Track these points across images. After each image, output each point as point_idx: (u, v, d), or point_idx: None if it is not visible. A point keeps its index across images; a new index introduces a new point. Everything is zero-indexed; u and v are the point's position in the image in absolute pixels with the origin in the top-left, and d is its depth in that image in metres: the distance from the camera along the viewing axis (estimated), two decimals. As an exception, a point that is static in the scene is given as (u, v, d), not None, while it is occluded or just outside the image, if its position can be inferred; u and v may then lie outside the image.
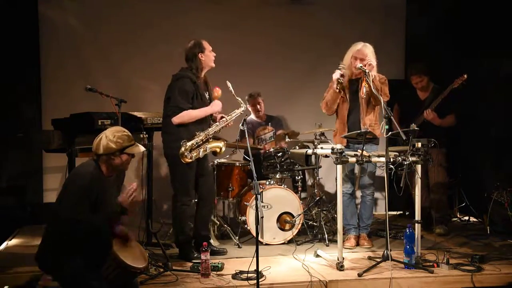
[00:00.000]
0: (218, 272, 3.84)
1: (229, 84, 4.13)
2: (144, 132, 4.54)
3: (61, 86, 5.73)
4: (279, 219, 4.74)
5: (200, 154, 4.15)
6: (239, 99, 4.28)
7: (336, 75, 4.32)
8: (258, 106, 5.68)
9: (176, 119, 4.13)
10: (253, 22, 6.20)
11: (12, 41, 5.42)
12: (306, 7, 6.27)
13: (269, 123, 5.71)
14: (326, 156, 4.78)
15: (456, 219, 5.78)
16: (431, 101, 5.05)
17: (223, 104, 4.36)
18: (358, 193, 4.72)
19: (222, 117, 4.31)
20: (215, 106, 4.27)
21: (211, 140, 4.22)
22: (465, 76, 4.86)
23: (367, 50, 4.36)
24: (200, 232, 4.34)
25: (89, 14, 5.85)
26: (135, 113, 4.66)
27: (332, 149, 3.93)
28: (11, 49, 5.41)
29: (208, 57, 4.26)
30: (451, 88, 4.92)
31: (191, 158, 4.09)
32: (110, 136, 3.06)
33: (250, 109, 5.68)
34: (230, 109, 4.34)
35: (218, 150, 4.25)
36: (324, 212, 5.20)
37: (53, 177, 5.75)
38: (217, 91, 4.35)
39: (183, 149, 4.05)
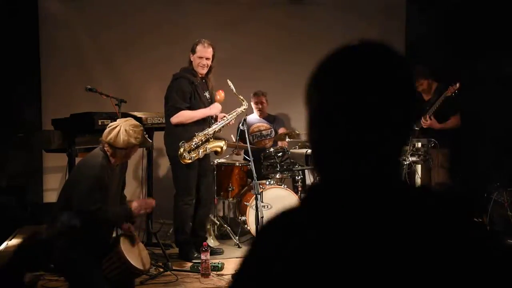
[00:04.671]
0: (218, 272, 3.84)
1: (230, 83, 4.13)
2: (144, 132, 4.54)
3: (61, 86, 5.73)
4: (279, 219, 4.74)
5: (200, 154, 4.15)
6: (241, 97, 4.28)
7: None
8: (260, 105, 5.66)
9: (174, 119, 4.13)
10: (253, 23, 6.20)
11: (12, 41, 5.42)
12: (306, 7, 6.28)
13: (270, 122, 5.72)
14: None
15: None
16: (435, 102, 5.05)
17: (224, 102, 4.36)
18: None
19: (223, 116, 4.31)
20: (214, 109, 4.25)
21: (211, 140, 4.22)
22: (458, 84, 4.86)
23: None
24: (197, 232, 4.35)
25: (89, 14, 5.85)
26: (135, 113, 4.67)
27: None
28: (11, 49, 5.41)
29: (194, 61, 4.23)
30: (444, 96, 4.92)
31: (190, 159, 4.09)
32: (131, 131, 3.09)
33: (253, 106, 5.67)
34: (231, 107, 4.34)
35: (219, 149, 4.25)
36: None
37: (53, 177, 5.76)
38: (220, 94, 4.33)
39: (181, 150, 4.06)
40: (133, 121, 3.20)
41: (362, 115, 0.84)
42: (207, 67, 4.24)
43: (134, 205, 3.14)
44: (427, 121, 4.98)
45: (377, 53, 0.89)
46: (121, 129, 3.09)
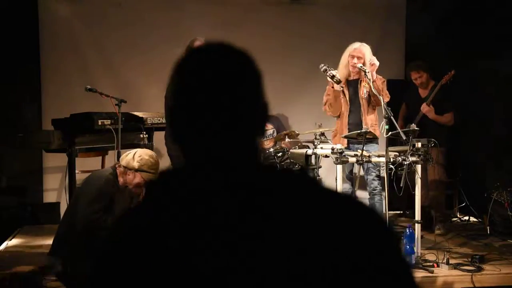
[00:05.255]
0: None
1: None
2: (144, 132, 4.55)
3: (61, 86, 5.72)
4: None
5: None
6: None
7: (328, 76, 4.29)
8: None
9: None
10: (252, 22, 6.20)
11: (12, 41, 5.42)
12: (306, 7, 6.27)
13: (270, 123, 5.73)
14: (326, 156, 4.79)
15: (456, 219, 5.78)
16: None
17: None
18: (358, 194, 4.71)
19: None
20: None
21: None
22: (453, 72, 4.92)
23: (365, 49, 4.35)
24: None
25: (89, 14, 5.85)
26: (136, 113, 4.67)
27: (332, 149, 3.92)
28: (11, 49, 5.41)
29: None
30: (440, 84, 4.97)
31: None
32: (137, 155, 3.19)
33: None
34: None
35: None
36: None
37: (53, 177, 5.75)
38: None
39: None
40: (150, 153, 3.30)
41: (201, 106, 0.91)
42: None
43: None
44: (425, 107, 5.00)
45: (215, 49, 0.99)
46: (134, 152, 3.22)
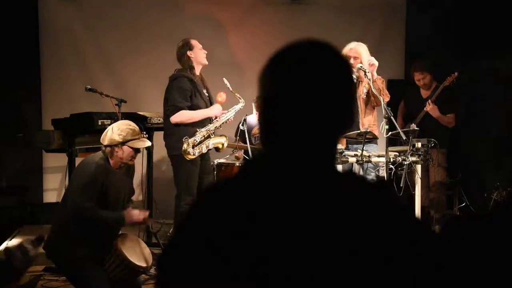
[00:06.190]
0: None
1: (226, 81, 4.16)
2: (144, 132, 4.54)
3: (61, 86, 5.73)
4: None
5: (203, 150, 4.15)
6: (238, 95, 4.29)
7: None
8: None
9: (174, 118, 4.12)
10: (252, 22, 6.20)
11: (12, 41, 5.42)
12: (306, 6, 6.27)
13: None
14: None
15: (456, 219, 5.77)
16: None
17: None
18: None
19: (222, 113, 4.32)
20: (215, 110, 4.26)
21: (213, 136, 4.23)
22: (456, 74, 4.91)
23: (361, 49, 4.32)
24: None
25: (89, 14, 5.85)
26: (139, 113, 4.67)
27: (332, 149, 3.92)
28: (11, 49, 5.41)
29: (198, 54, 4.24)
30: (443, 86, 4.96)
31: (194, 154, 4.09)
32: (115, 128, 3.10)
33: (255, 109, 5.68)
34: (229, 105, 4.36)
35: (220, 146, 4.26)
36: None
37: (53, 177, 5.75)
38: (221, 96, 4.34)
39: (185, 146, 4.05)
40: (126, 122, 3.20)
41: (297, 103, 0.98)
42: None
43: (128, 215, 3.11)
44: (430, 105, 4.99)
45: (317, 51, 1.10)
46: (111, 127, 3.12)
